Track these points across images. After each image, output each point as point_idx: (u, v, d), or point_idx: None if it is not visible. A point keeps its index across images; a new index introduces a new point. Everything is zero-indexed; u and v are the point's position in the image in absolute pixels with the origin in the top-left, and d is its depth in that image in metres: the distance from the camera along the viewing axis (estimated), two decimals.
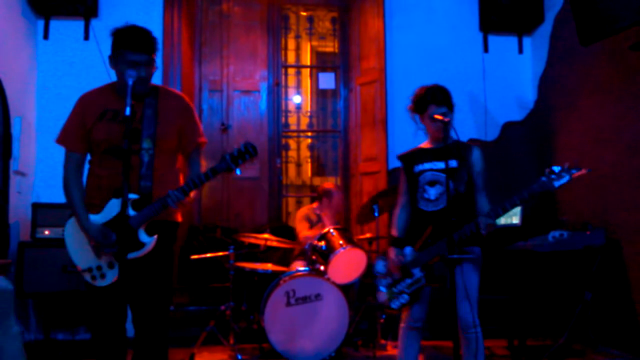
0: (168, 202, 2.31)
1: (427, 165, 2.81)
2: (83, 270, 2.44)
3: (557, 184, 2.37)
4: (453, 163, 2.72)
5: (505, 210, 2.49)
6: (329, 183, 5.00)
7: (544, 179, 2.39)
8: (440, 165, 2.77)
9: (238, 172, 2.33)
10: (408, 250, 2.76)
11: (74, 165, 2.50)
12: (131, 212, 2.34)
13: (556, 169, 2.37)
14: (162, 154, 2.46)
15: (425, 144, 2.92)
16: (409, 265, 2.75)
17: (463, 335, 2.70)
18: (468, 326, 2.67)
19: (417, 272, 2.73)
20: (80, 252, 2.45)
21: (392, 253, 2.81)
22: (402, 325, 2.88)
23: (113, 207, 2.37)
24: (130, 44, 2.37)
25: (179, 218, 2.59)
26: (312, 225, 4.61)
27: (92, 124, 2.44)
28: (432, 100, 2.76)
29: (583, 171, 2.35)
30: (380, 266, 2.90)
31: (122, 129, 2.24)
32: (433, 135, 2.86)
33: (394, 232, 2.89)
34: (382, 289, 2.85)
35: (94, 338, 2.50)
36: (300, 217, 4.67)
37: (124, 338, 2.49)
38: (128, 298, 2.44)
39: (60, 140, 2.53)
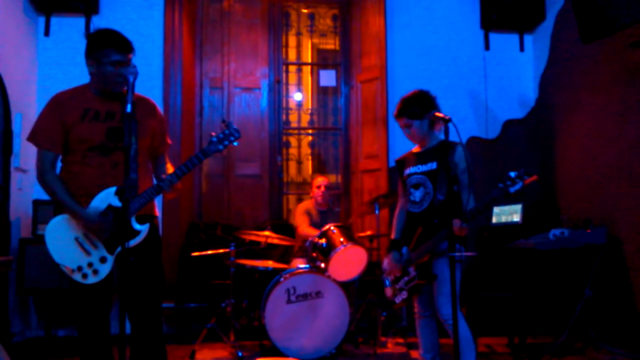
0: (163, 186, 2.41)
1: (412, 169, 3.00)
2: (73, 270, 2.42)
3: (512, 189, 2.49)
4: (433, 165, 2.89)
5: (473, 215, 2.59)
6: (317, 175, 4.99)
7: (501, 185, 2.52)
8: (423, 168, 2.95)
9: (221, 147, 2.47)
10: (405, 250, 2.95)
11: (48, 163, 2.50)
12: (119, 204, 2.41)
13: (512, 174, 2.49)
14: (140, 152, 2.51)
15: (416, 148, 3.10)
16: (405, 264, 2.93)
17: (444, 327, 2.86)
18: (445, 319, 2.81)
19: (411, 271, 2.91)
20: (67, 251, 2.43)
21: (389, 255, 3.02)
22: (415, 316, 3.09)
23: (100, 201, 2.42)
24: (116, 44, 2.49)
25: (156, 212, 2.70)
26: (312, 220, 4.62)
27: (72, 123, 2.47)
28: (396, 114, 3.01)
29: (534, 177, 2.48)
30: (386, 263, 3.08)
31: (105, 128, 2.46)
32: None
33: (392, 234, 3.11)
34: (387, 284, 3.06)
35: (82, 336, 2.51)
36: (301, 211, 4.68)
37: (109, 334, 2.55)
38: (121, 292, 2.43)
39: (33, 138, 2.51)
